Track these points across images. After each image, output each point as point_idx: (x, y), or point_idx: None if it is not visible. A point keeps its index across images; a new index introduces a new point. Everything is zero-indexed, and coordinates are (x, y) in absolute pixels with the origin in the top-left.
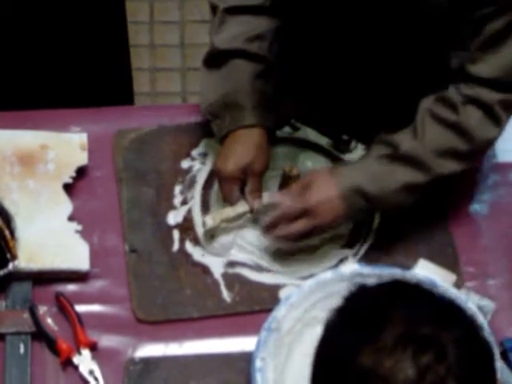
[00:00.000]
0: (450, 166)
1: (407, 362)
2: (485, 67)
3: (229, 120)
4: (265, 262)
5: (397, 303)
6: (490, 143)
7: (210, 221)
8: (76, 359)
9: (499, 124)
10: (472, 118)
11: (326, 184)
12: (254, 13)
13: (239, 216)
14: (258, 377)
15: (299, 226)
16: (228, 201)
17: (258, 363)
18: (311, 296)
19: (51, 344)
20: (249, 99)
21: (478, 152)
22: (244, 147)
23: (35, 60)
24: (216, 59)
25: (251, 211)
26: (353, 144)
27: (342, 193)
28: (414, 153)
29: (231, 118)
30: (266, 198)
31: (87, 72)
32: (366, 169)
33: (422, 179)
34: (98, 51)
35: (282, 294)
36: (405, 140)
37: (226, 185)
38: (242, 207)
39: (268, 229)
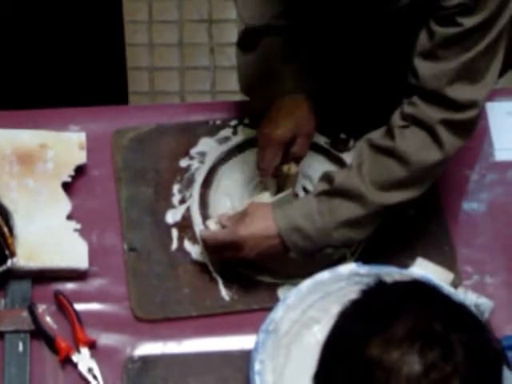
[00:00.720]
0: (393, 197)
1: (414, 356)
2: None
3: (271, 91)
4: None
5: (411, 300)
6: (432, 167)
7: (213, 225)
8: (75, 357)
9: (441, 146)
10: (408, 142)
11: (263, 219)
12: None
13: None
14: (257, 380)
15: (227, 254)
16: (266, 169)
17: (256, 366)
18: (308, 296)
19: (50, 342)
20: (288, 68)
21: (420, 178)
22: (291, 110)
23: (33, 59)
24: (249, 40)
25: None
26: (351, 143)
27: (279, 231)
28: (347, 185)
29: (273, 89)
30: (265, 197)
31: (84, 71)
32: (306, 208)
33: (362, 212)
34: (95, 50)
35: (281, 292)
36: (340, 173)
37: (272, 150)
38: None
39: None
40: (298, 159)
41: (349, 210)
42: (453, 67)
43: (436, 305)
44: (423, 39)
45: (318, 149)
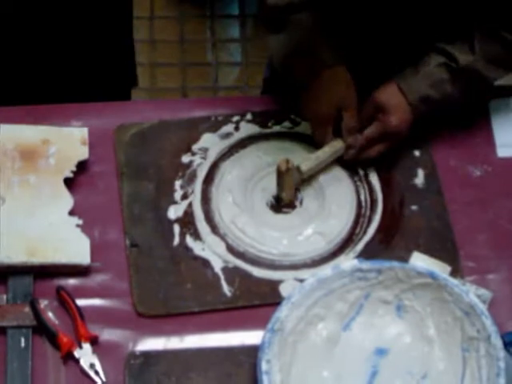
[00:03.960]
0: (499, 73)
1: None
2: None
3: (308, 65)
4: (266, 248)
5: None
6: None
7: (304, 167)
8: (77, 353)
9: None
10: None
11: (399, 102)
12: None
13: (335, 153)
14: (265, 379)
15: (383, 146)
16: (322, 145)
17: (263, 366)
18: (312, 294)
19: (52, 338)
20: (323, 42)
21: None
22: (333, 85)
23: (36, 55)
24: (276, 19)
25: (349, 147)
26: None
27: (412, 104)
28: (472, 67)
29: (311, 63)
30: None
31: (88, 66)
32: (430, 78)
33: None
34: (100, 45)
35: (282, 288)
36: (462, 53)
37: (321, 127)
38: (337, 143)
39: (352, 157)
40: (351, 131)
41: (466, 83)
42: None
43: None
44: None
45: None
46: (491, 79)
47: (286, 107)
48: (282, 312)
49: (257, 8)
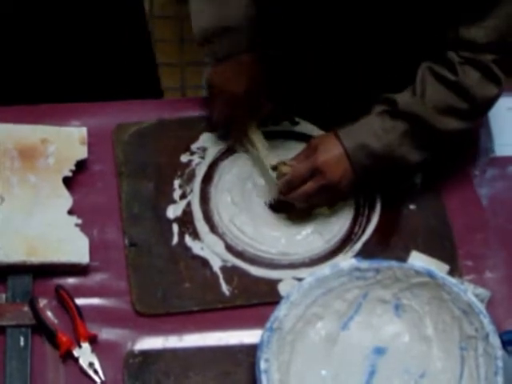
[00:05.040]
0: (451, 124)
1: None
2: (479, 32)
3: (226, 44)
4: (264, 247)
5: None
6: (490, 102)
7: (285, 168)
8: (76, 352)
9: (498, 82)
10: (470, 77)
11: (331, 144)
12: None
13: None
14: (264, 378)
15: (309, 186)
16: (217, 120)
17: (262, 365)
18: (311, 293)
19: (51, 337)
20: (245, 25)
21: (478, 111)
22: (246, 68)
23: (35, 54)
24: None
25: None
26: None
27: (347, 151)
28: (412, 109)
29: (228, 43)
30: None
31: (88, 66)
32: (369, 126)
33: (424, 135)
34: (100, 46)
35: (281, 287)
36: (404, 96)
37: (221, 101)
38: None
39: (282, 192)
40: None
41: (410, 131)
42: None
43: None
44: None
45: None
46: (442, 130)
47: (285, 107)
48: (281, 311)
49: None
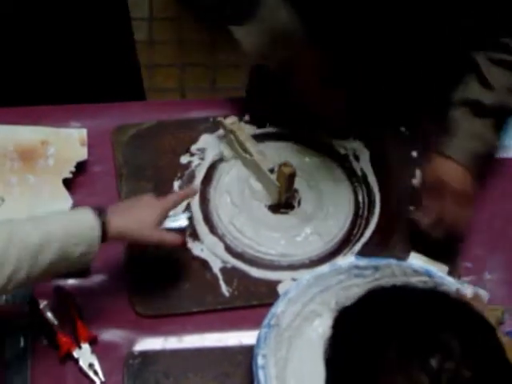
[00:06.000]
0: None
1: (418, 372)
2: None
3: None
4: (264, 249)
5: (380, 322)
6: None
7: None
8: (76, 353)
9: None
10: None
11: (451, 169)
12: None
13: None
14: (261, 374)
15: (448, 213)
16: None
17: (259, 360)
18: (309, 290)
19: (51, 338)
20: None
21: None
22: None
23: (36, 55)
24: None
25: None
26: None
27: (465, 165)
28: (499, 101)
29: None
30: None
31: (91, 69)
32: (465, 133)
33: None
34: (100, 48)
35: (280, 288)
36: (481, 93)
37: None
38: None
39: (431, 234)
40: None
41: (497, 122)
42: None
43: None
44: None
45: (318, 146)
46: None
47: (283, 109)
48: (279, 307)
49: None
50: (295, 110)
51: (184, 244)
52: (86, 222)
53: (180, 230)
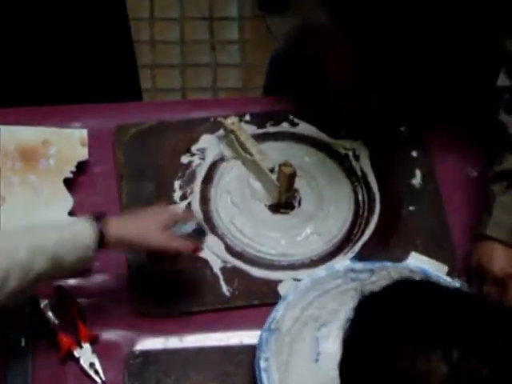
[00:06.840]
0: None
1: (438, 361)
2: None
3: (320, 40)
4: (264, 248)
5: (407, 307)
6: None
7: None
8: (77, 353)
9: None
10: None
11: (499, 251)
12: None
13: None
14: (264, 377)
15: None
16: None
17: (262, 364)
18: (307, 294)
19: (52, 338)
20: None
21: None
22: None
23: (36, 56)
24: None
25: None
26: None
27: (505, 243)
28: None
29: (322, 38)
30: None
31: (90, 69)
32: (506, 209)
33: None
34: (99, 49)
35: (281, 288)
36: None
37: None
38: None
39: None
40: None
41: None
42: None
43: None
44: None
45: (317, 145)
46: None
47: (285, 108)
48: (278, 312)
49: None
50: (319, 102)
51: (196, 250)
52: (80, 232)
53: (192, 236)
